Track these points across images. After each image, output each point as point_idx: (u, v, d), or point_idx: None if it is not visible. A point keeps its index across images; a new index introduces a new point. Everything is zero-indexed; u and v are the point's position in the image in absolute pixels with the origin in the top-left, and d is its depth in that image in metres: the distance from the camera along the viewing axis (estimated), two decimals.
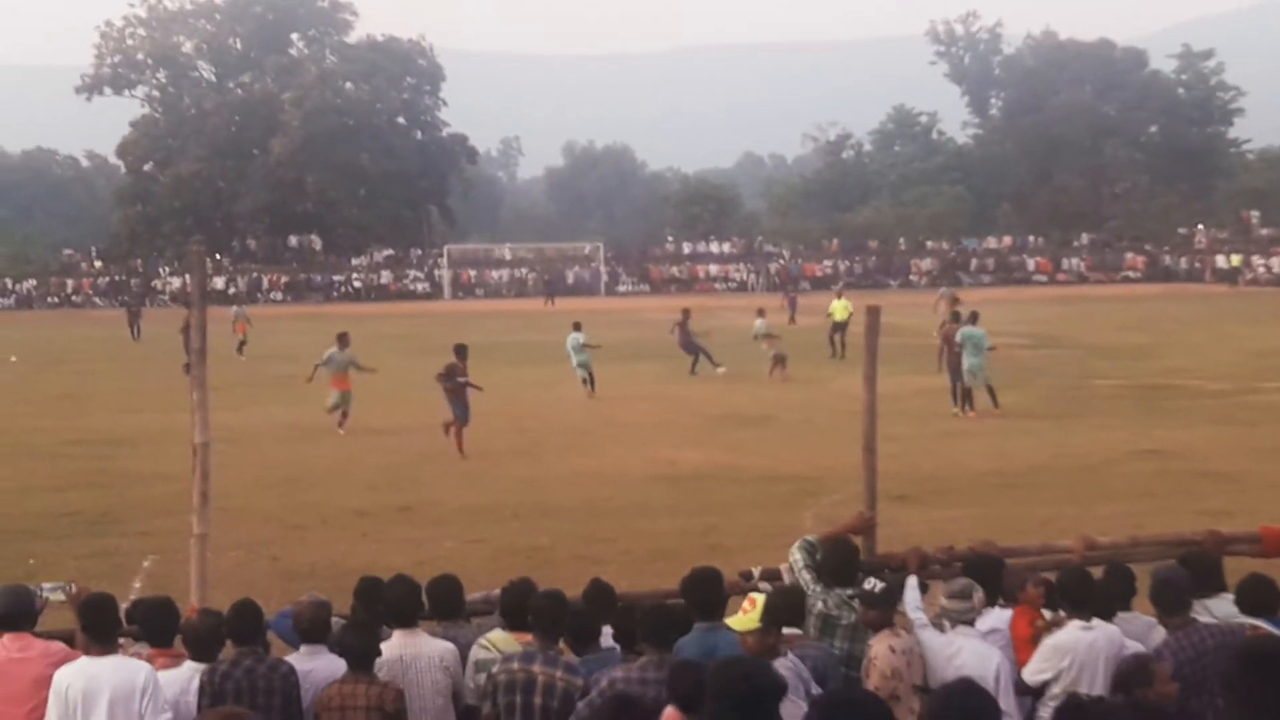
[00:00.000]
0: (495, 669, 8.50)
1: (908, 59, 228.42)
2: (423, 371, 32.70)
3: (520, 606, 9.24)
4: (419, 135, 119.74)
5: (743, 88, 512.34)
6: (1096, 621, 9.05)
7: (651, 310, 77.61)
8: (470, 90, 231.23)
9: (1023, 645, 9.31)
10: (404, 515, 21.87)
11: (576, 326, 38.92)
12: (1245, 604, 9.16)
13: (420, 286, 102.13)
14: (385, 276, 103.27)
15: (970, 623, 9.10)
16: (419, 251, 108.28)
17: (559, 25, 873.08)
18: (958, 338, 33.63)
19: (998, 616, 9.51)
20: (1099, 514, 20.40)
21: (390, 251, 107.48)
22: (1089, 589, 9.37)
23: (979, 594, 9.21)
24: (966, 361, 33.03)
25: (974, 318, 34.77)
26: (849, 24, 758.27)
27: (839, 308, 47.14)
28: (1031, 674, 9.06)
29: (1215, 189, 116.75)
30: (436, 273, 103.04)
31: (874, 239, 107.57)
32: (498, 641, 9.17)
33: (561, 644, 8.86)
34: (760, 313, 40.47)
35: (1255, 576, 9.42)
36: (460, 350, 29.89)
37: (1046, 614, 9.51)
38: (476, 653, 9.11)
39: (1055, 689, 8.93)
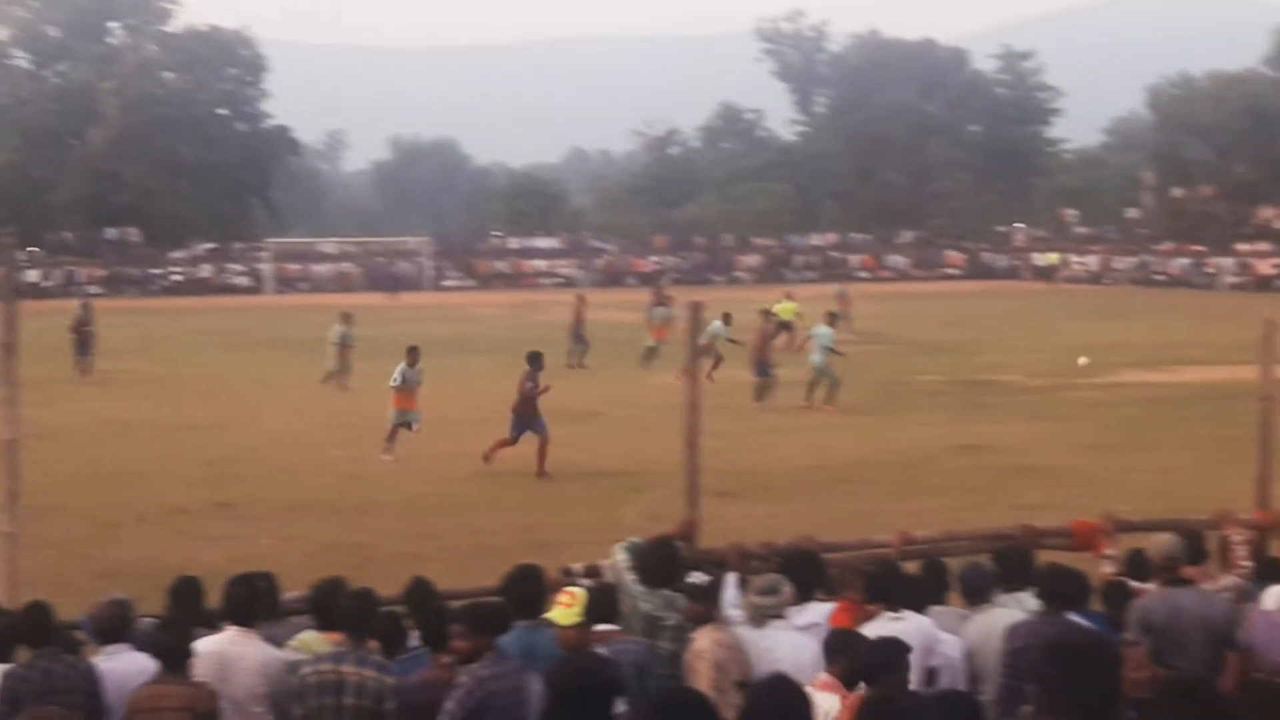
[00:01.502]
0: (305, 670, 8.32)
1: (735, 56, 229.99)
2: (243, 365, 32.10)
3: (330, 605, 9.10)
4: (241, 127, 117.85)
5: (570, 83, 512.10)
6: (907, 613, 9.14)
7: (477, 305, 77.32)
8: (296, 82, 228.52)
9: None
10: (223, 512, 21.51)
11: (344, 319, 38.78)
12: (1048, 596, 9.29)
13: (242, 280, 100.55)
14: (206, 270, 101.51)
15: (782, 617, 9.12)
16: (241, 245, 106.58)
17: (385, 18, 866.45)
18: (811, 333, 35.09)
19: (817, 610, 9.56)
20: (919, 508, 20.62)
21: (211, 245, 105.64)
22: (899, 582, 9.48)
23: (788, 588, 9.21)
24: (811, 358, 33.81)
25: (831, 318, 36.94)
26: (677, 20, 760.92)
27: (785, 309, 46.31)
28: None
29: (1034, 188, 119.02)
30: (259, 266, 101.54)
31: (700, 235, 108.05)
32: (309, 642, 9.02)
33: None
34: (726, 318, 39.77)
35: (1062, 569, 9.57)
36: (535, 359, 26.28)
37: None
38: (286, 654, 8.94)
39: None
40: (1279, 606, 9.66)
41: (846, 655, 7.94)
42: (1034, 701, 5.33)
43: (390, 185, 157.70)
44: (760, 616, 9.01)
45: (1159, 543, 10.22)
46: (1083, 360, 38.88)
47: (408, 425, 27.11)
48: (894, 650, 7.61)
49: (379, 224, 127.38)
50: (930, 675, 8.96)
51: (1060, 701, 4.79)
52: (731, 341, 37.88)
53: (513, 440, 25.30)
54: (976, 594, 9.64)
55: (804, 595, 9.59)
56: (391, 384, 27.40)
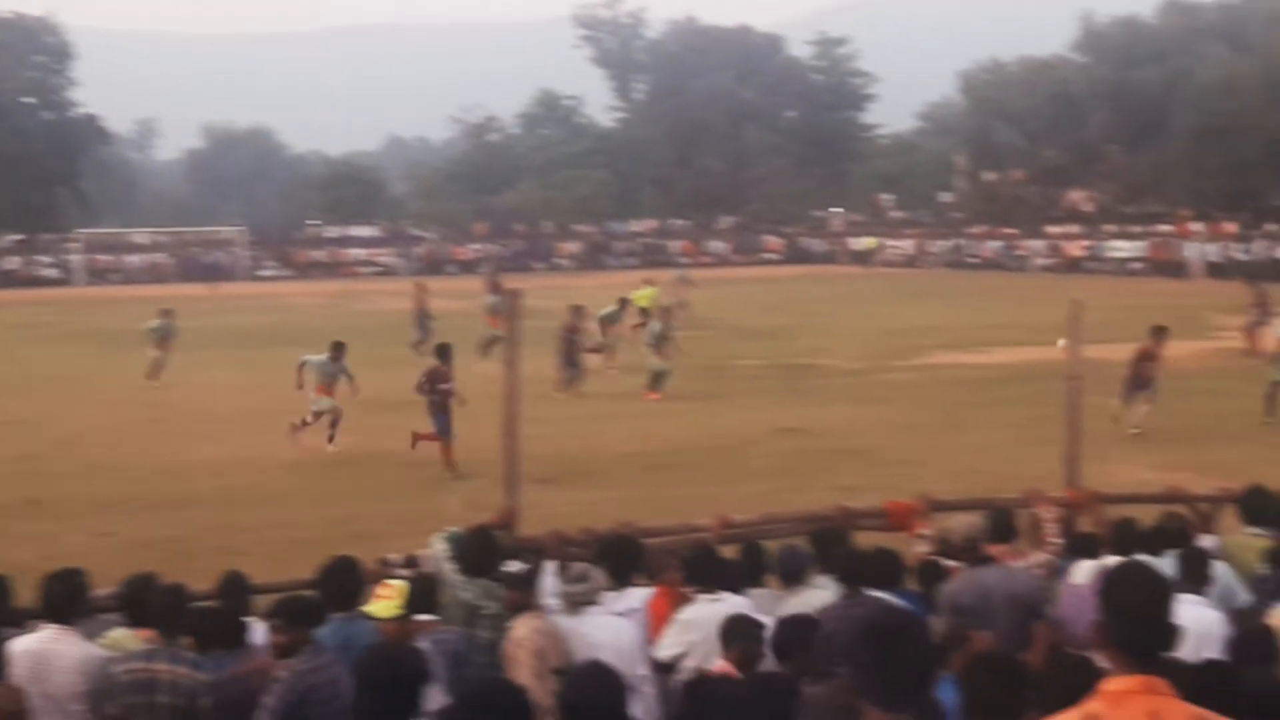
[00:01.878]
0: (117, 668, 8.11)
1: (553, 42, 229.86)
2: (53, 359, 31.31)
3: (141, 602, 8.90)
4: (48, 115, 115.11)
5: (387, 70, 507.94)
6: (724, 595, 9.19)
7: (295, 295, 76.35)
8: (105, 69, 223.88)
9: (662, 624, 9.40)
10: (32, 509, 20.97)
11: (164, 313, 38.11)
12: (848, 577, 9.40)
13: (51, 273, 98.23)
14: (13, 262, 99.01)
15: (596, 603, 9.13)
16: (49, 236, 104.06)
17: (198, 4, 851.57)
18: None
19: (636, 596, 9.57)
20: (740, 492, 20.74)
21: (18, 236, 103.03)
22: (716, 566, 9.54)
23: (598, 575, 9.27)
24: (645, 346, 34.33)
25: (664, 310, 37.29)
26: (496, 6, 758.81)
27: (644, 295, 45.51)
28: (663, 649, 9.18)
29: (850, 173, 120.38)
30: (68, 258, 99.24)
31: (520, 222, 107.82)
32: (119, 639, 8.81)
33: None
34: (622, 302, 39.30)
35: (878, 550, 9.71)
36: (443, 351, 26.15)
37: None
38: (105, 652, 8.71)
39: (688, 663, 9.05)
40: (1088, 581, 9.83)
41: (742, 640, 7.97)
42: (848, 682, 5.33)
43: (204, 174, 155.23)
44: (574, 604, 9.02)
45: (961, 524, 10.39)
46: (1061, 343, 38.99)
47: (318, 414, 26.67)
48: (805, 628, 7.68)
49: (193, 214, 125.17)
50: None
51: (872, 682, 4.79)
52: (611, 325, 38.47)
53: (444, 433, 24.51)
54: (792, 576, 9.75)
55: (621, 581, 9.61)
56: (302, 363, 27.23)
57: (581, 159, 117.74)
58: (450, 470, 23.59)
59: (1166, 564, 10.08)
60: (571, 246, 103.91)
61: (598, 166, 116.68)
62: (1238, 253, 74.72)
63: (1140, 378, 25.83)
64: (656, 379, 33.28)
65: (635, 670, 8.79)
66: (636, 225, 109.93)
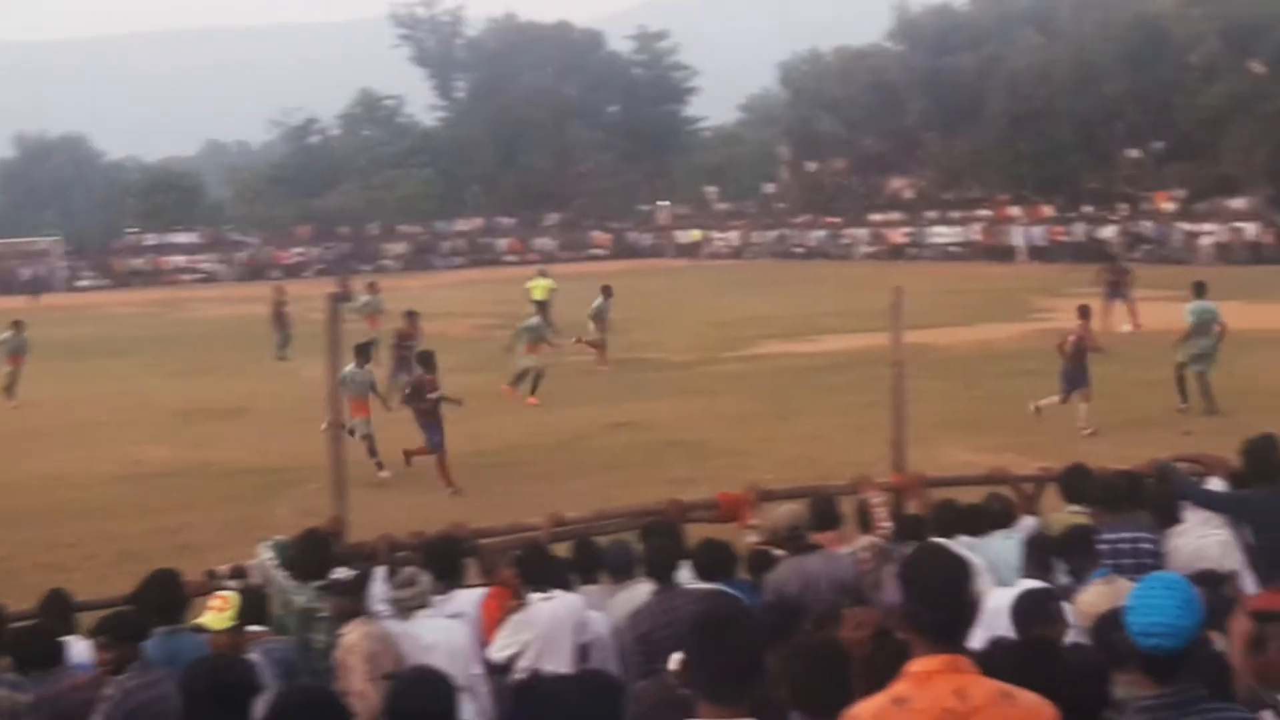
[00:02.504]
0: None
1: (372, 42, 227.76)
2: None
3: None
4: None
5: (204, 73, 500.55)
6: (557, 592, 9.20)
7: (115, 305, 74.98)
8: None
9: (494, 624, 9.36)
10: None
11: (14, 325, 37.13)
12: (701, 568, 9.46)
13: None
14: None
15: (427, 606, 9.11)
16: None
17: (5, 8, 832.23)
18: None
19: (466, 598, 9.53)
20: (574, 489, 20.76)
21: None
22: (548, 563, 9.54)
23: (425, 579, 9.27)
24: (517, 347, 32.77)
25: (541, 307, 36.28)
26: (312, 7, 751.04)
27: (539, 287, 45.06)
28: (497, 650, 9.17)
29: (674, 166, 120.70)
30: None
31: (345, 224, 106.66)
32: None
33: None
34: (605, 290, 38.27)
35: (709, 541, 9.75)
36: (427, 360, 24.53)
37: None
38: None
39: (523, 662, 9.05)
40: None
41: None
42: (680, 674, 5.35)
43: (16, 184, 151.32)
44: (404, 609, 8.99)
45: (783, 513, 10.49)
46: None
47: (352, 432, 23.12)
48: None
49: (6, 225, 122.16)
50: (583, 652, 9.08)
51: (702, 676, 4.80)
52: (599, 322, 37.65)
53: (436, 446, 23.15)
54: (622, 570, 9.80)
55: (450, 583, 9.57)
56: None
57: (404, 159, 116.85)
58: (449, 485, 22.30)
59: (1004, 547, 10.25)
60: (397, 247, 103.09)
61: (421, 166, 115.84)
62: (1061, 235, 76.12)
63: (1076, 367, 25.36)
64: (522, 376, 31.84)
65: (469, 671, 8.78)
66: (462, 224, 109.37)
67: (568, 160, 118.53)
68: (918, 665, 4.81)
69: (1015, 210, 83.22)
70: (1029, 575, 9.28)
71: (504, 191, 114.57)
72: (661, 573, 9.39)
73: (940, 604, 4.82)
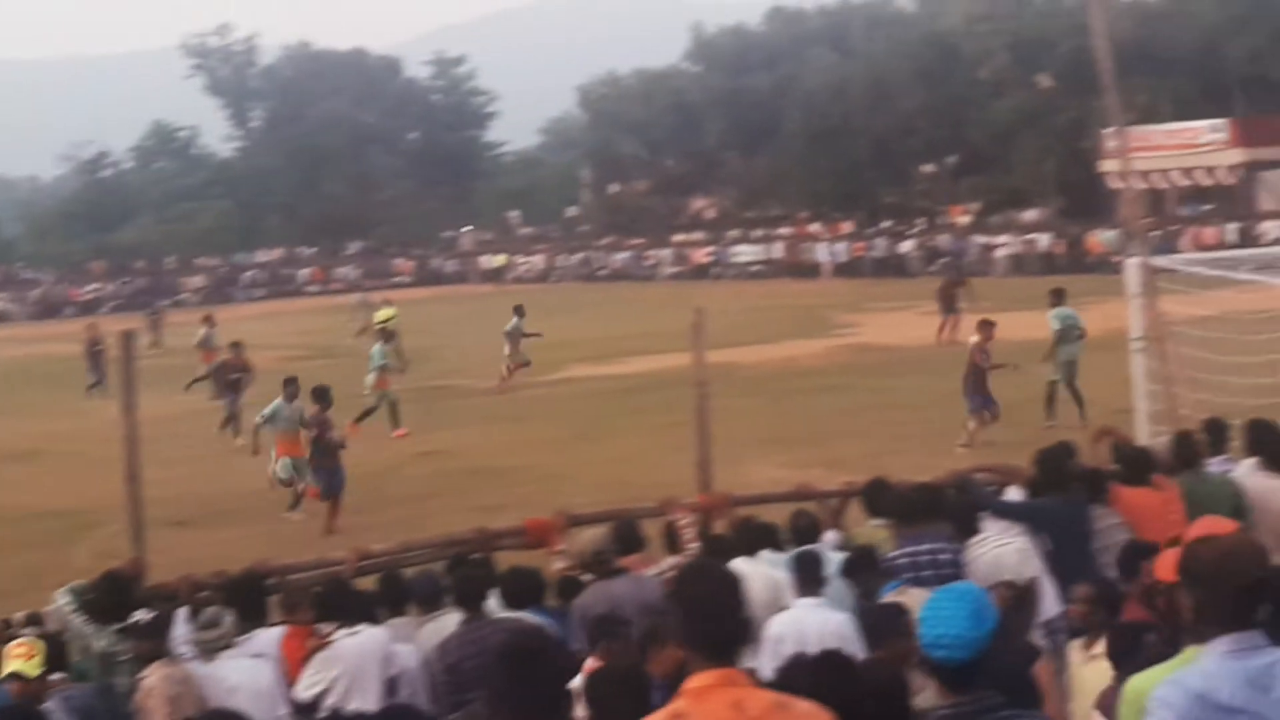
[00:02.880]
0: None
1: (164, 73, 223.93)
2: None
3: None
4: None
5: None
6: (362, 627, 9.10)
7: None
8: None
9: (296, 663, 9.22)
10: None
11: None
12: (508, 596, 9.40)
13: None
14: None
15: (228, 647, 8.95)
16: None
17: None
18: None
19: (267, 638, 9.37)
20: (382, 520, 20.59)
21: None
22: (350, 598, 9.44)
23: (229, 619, 9.15)
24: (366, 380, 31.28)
25: (385, 335, 32.93)
26: (101, 39, 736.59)
27: (385, 315, 42.86)
28: (303, 689, 9.08)
29: (477, 191, 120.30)
30: None
31: (141, 258, 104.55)
32: None
33: None
34: (518, 310, 37.12)
35: (515, 570, 9.70)
36: (322, 395, 23.07)
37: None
38: None
39: (330, 700, 8.95)
40: None
41: (607, 637, 8.02)
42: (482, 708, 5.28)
43: None
44: (207, 650, 8.85)
45: (586, 539, 10.48)
46: None
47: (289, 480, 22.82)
48: None
49: None
50: (391, 686, 8.99)
51: (503, 708, 4.76)
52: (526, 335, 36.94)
53: (335, 489, 22.09)
54: (430, 601, 9.74)
55: (253, 622, 9.41)
56: (259, 421, 23.70)
57: (201, 190, 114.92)
58: (331, 531, 21.02)
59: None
60: (195, 280, 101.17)
61: (218, 197, 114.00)
62: (862, 251, 76.82)
63: (977, 381, 24.76)
64: (369, 413, 30.36)
65: (275, 712, 8.65)
66: (262, 255, 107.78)
67: (368, 187, 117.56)
68: (694, 682, 4.83)
69: (817, 227, 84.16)
70: (801, 594, 9.38)
71: (304, 221, 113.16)
72: (470, 602, 9.32)
73: (710, 620, 4.85)
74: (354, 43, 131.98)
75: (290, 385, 23.69)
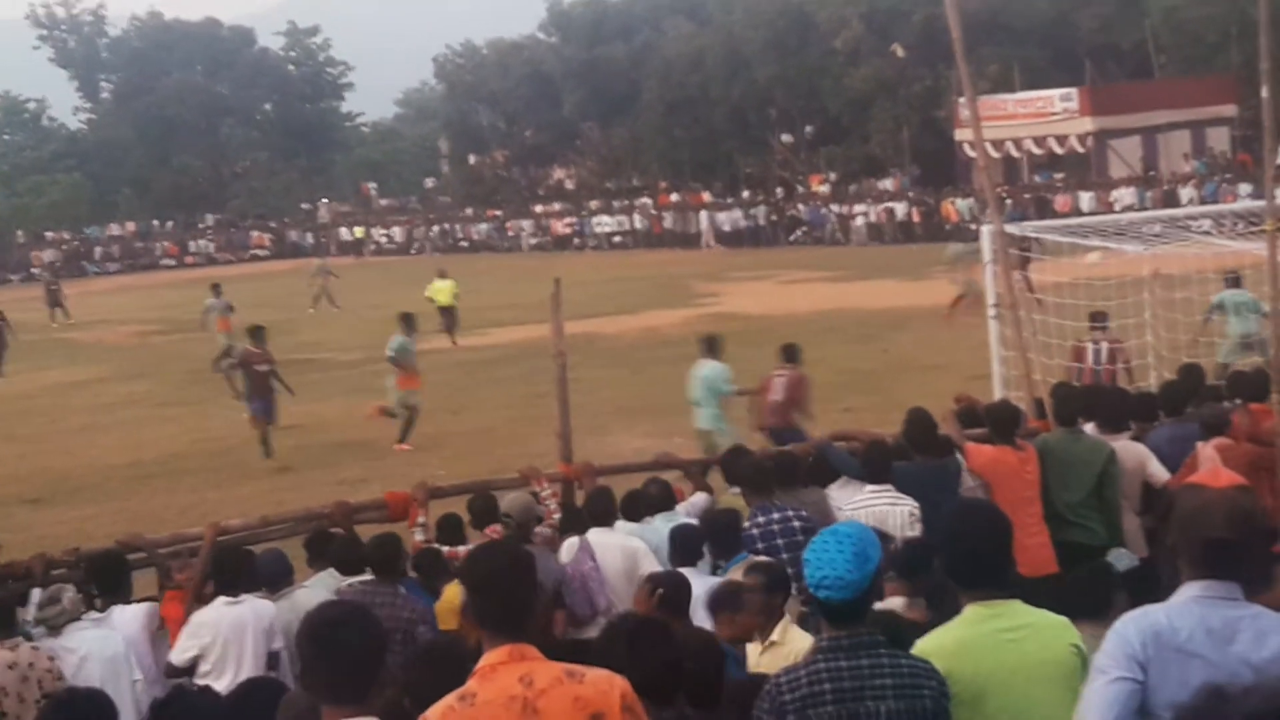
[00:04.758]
0: None
1: (10, 44, 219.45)
2: None
3: None
4: None
5: None
6: (246, 597, 9.13)
7: None
8: None
9: (177, 627, 9.28)
10: None
11: None
12: (372, 565, 9.52)
13: None
14: None
15: (73, 620, 9.02)
16: None
17: None
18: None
19: (125, 614, 9.29)
20: (241, 494, 20.45)
21: None
22: (239, 568, 9.47)
23: (69, 594, 9.16)
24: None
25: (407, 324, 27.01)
26: None
27: (441, 290, 41.43)
28: (177, 653, 9.18)
29: (334, 163, 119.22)
30: None
31: None
32: None
33: None
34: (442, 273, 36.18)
35: (381, 535, 9.78)
36: (256, 333, 25.30)
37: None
38: None
39: (204, 666, 8.99)
40: (572, 557, 10.02)
41: None
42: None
43: None
44: (51, 627, 8.87)
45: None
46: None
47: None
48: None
49: None
50: (273, 660, 9.02)
51: (315, 679, 4.86)
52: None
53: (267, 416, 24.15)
54: (280, 578, 9.79)
55: (113, 599, 9.35)
56: (390, 355, 24.99)
57: (51, 163, 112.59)
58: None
59: (665, 530, 10.34)
60: (47, 254, 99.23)
61: (69, 170, 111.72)
62: (740, 221, 76.31)
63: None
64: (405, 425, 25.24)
65: (129, 679, 8.69)
66: (116, 229, 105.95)
67: (222, 160, 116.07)
68: (485, 659, 4.94)
69: (675, 196, 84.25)
70: (675, 563, 9.45)
71: (158, 194, 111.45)
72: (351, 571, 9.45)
73: (494, 597, 4.96)
74: (205, 12, 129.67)
75: (407, 320, 25.31)
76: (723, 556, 9.62)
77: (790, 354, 19.15)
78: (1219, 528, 5.04)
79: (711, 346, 19.43)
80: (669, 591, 7.63)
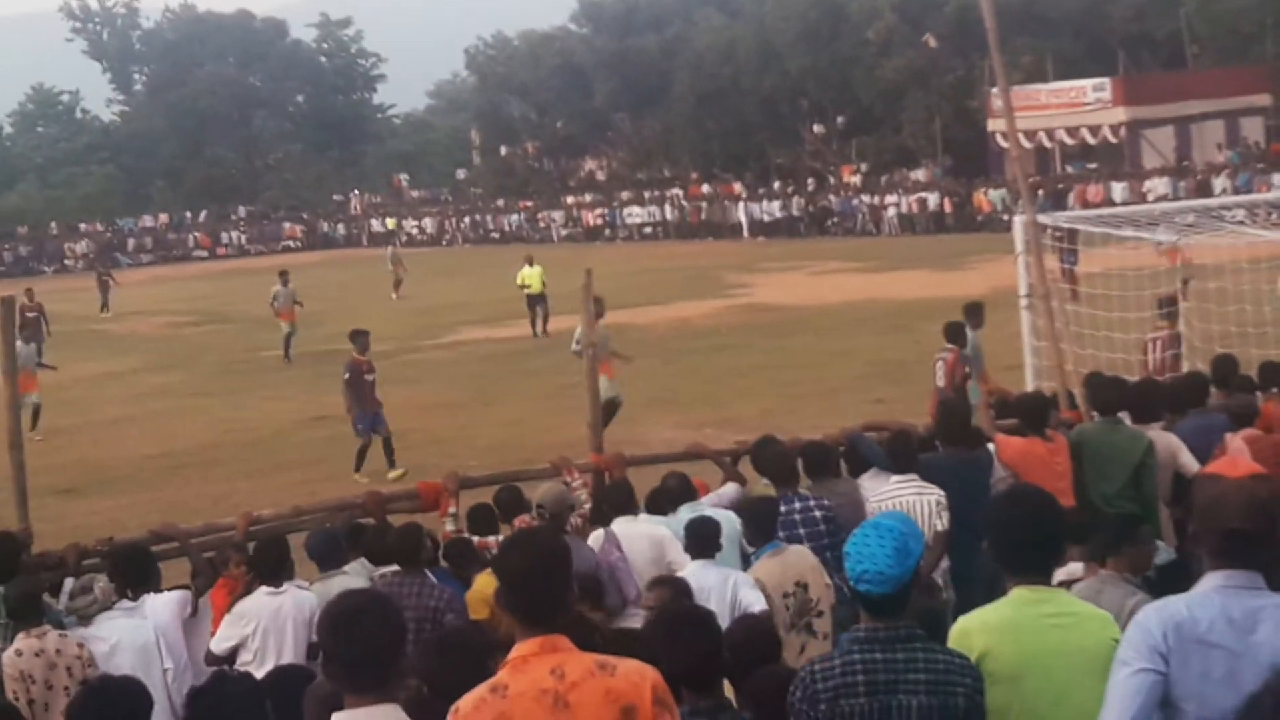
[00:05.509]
0: None
1: (44, 36, 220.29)
2: None
3: None
4: None
5: None
6: (288, 586, 9.18)
7: None
8: None
9: (220, 616, 9.41)
10: None
11: None
12: (397, 555, 9.52)
13: None
14: None
15: (105, 609, 9.04)
16: None
17: None
18: None
19: (156, 603, 9.34)
20: (273, 484, 20.48)
21: None
22: (281, 558, 9.51)
23: (101, 583, 9.16)
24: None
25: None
26: None
27: (532, 276, 39.26)
28: (217, 642, 9.26)
29: (366, 155, 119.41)
30: None
31: (23, 224, 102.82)
32: None
33: None
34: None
35: (404, 526, 9.82)
36: (359, 338, 23.16)
37: None
38: None
39: (245, 656, 9.02)
40: (599, 549, 10.01)
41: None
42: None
43: None
44: (82, 617, 8.92)
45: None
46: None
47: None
48: None
49: None
50: (314, 649, 9.02)
51: (335, 666, 4.87)
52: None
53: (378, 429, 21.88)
54: (327, 560, 9.76)
55: (142, 589, 9.37)
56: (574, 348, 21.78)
57: (84, 155, 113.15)
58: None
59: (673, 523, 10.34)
60: (80, 246, 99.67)
61: (103, 162, 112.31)
62: (773, 213, 75.81)
63: None
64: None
65: (160, 667, 8.74)
66: (148, 220, 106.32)
67: (255, 151, 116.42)
68: (516, 651, 4.93)
69: (707, 188, 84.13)
70: (692, 555, 9.45)
71: (190, 185, 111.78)
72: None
73: (527, 589, 4.93)
74: (238, 5, 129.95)
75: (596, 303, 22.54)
76: (756, 543, 9.61)
77: (953, 334, 18.65)
78: (1236, 518, 5.02)
79: (973, 314, 18.96)
80: None
